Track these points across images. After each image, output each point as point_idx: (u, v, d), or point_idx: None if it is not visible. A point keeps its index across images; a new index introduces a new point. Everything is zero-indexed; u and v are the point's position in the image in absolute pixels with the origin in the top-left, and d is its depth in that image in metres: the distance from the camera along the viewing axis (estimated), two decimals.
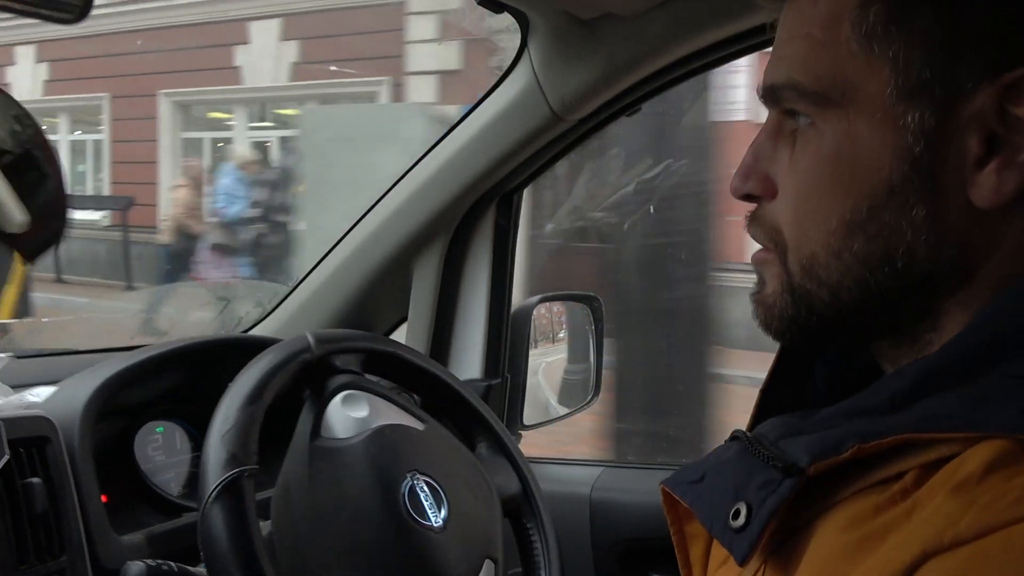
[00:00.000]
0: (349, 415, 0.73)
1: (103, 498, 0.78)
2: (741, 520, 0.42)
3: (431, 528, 0.71)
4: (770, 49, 0.49)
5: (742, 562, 0.42)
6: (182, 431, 0.95)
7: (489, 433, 0.88)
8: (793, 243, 0.46)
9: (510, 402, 1.21)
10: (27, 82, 10.23)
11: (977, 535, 0.34)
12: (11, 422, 0.70)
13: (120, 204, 9.22)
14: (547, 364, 1.31)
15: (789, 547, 0.42)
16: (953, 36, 0.41)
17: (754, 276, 0.50)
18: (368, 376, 0.80)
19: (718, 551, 0.49)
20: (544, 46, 0.99)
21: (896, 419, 0.40)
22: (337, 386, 0.75)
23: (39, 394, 0.80)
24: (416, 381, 0.88)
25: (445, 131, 1.12)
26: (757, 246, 0.50)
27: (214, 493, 0.62)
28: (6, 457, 0.67)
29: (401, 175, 1.17)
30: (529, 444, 1.14)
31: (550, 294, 1.28)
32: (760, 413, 0.52)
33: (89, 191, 10.45)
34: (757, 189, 0.48)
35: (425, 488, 0.72)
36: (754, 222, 0.49)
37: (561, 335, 1.35)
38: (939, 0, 0.42)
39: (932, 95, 0.42)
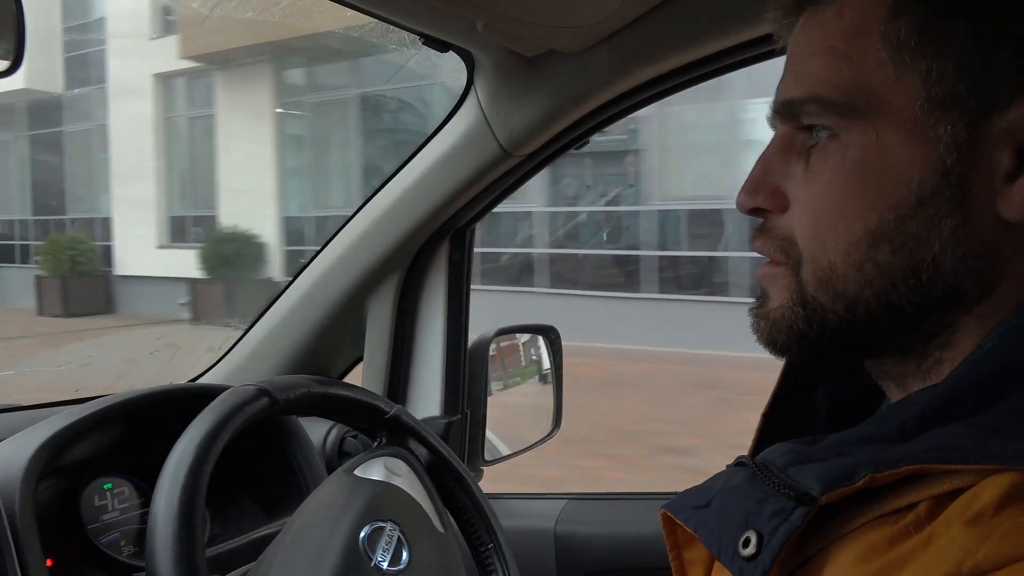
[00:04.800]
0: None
1: (48, 562, 0.74)
2: (752, 548, 0.41)
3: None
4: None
5: None
6: (131, 486, 0.91)
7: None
8: (809, 254, 0.45)
9: (470, 438, 1.20)
10: None
11: (995, 566, 0.34)
12: None
13: None
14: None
15: None
16: (988, 50, 0.41)
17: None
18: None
19: None
20: (490, 84, 1.00)
21: (907, 448, 0.40)
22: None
23: None
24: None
25: (395, 168, 1.12)
26: None
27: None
28: None
29: (352, 214, 1.16)
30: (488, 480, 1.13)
31: (507, 327, 1.28)
32: (762, 436, 0.51)
33: None
34: (766, 203, 0.48)
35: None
36: (763, 235, 0.49)
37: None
38: (974, 13, 0.41)
39: (965, 107, 0.41)
